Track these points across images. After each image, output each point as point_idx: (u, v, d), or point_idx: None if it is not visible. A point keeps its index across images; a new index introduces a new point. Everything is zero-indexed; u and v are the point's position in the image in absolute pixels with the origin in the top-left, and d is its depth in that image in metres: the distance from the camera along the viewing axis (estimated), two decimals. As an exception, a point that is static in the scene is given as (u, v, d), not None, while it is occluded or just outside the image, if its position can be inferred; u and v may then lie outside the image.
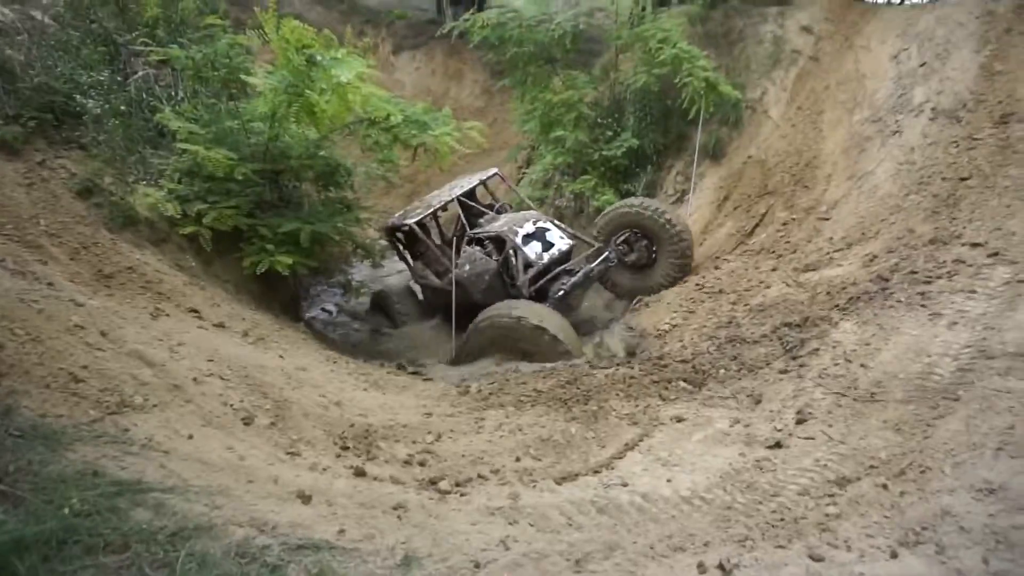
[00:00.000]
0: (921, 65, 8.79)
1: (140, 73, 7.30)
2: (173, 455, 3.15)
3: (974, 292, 4.97)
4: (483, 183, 8.68)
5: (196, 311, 5.32)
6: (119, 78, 7.22)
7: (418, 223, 7.99)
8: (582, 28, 10.04)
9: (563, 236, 7.83)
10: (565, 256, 7.74)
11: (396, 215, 8.71)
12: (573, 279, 7.45)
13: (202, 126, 6.66)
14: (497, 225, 7.80)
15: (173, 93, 7.38)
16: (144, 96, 7.16)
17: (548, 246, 7.60)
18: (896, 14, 10.31)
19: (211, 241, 6.32)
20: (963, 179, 6.66)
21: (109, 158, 6.37)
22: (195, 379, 4.07)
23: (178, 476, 2.94)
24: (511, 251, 7.45)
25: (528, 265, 7.41)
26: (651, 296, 7.72)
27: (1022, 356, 4.02)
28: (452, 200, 8.16)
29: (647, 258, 8.13)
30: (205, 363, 4.37)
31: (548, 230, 7.78)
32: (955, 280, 5.27)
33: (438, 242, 8.60)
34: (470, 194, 8.43)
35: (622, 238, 8.10)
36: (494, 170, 8.77)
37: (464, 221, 7.98)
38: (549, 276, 7.48)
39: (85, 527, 2.25)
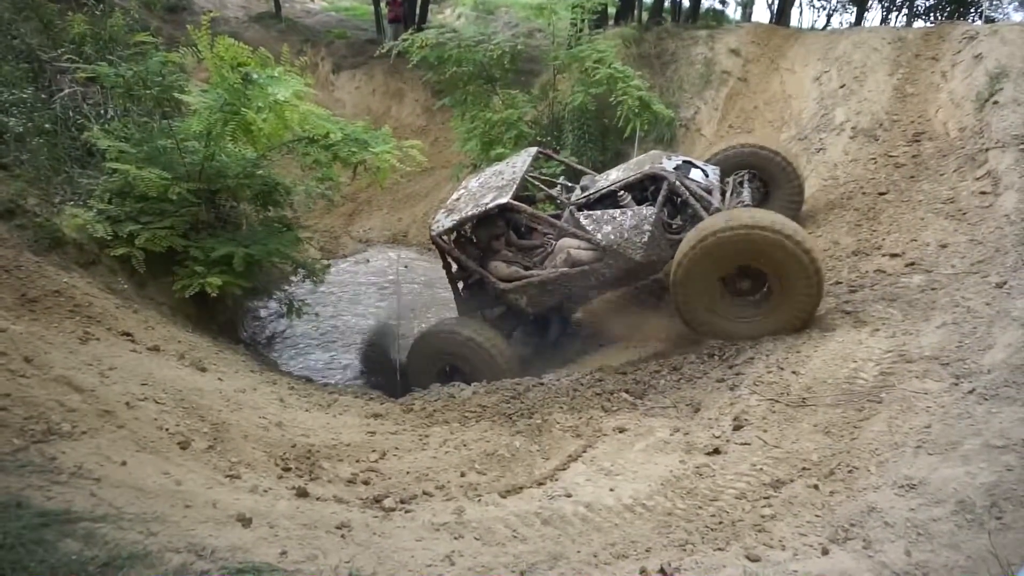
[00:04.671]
0: (841, 87, 9.30)
1: (66, 91, 7.05)
2: (104, 482, 3.03)
3: (894, 300, 5.25)
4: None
5: (129, 334, 5.14)
6: (44, 96, 6.95)
7: (507, 204, 6.33)
8: (520, 48, 10.24)
9: (703, 164, 6.97)
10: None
11: (438, 217, 7.11)
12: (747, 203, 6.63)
13: (133, 145, 6.47)
14: (616, 176, 6.69)
15: (102, 111, 7.15)
16: (71, 114, 6.90)
17: (705, 174, 6.70)
18: (817, 39, 10.89)
19: (144, 263, 6.11)
20: (881, 194, 7.05)
21: (33, 178, 6.12)
22: (128, 404, 3.93)
23: (110, 504, 2.83)
24: (675, 186, 6.23)
25: (708, 191, 6.38)
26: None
27: (936, 359, 4.27)
28: (517, 184, 6.64)
29: (759, 199, 7.39)
30: (138, 387, 4.22)
31: (691, 161, 6.93)
32: (877, 289, 5.57)
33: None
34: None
35: (738, 178, 7.21)
36: (534, 149, 7.71)
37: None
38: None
39: (8, 560, 2.15)
